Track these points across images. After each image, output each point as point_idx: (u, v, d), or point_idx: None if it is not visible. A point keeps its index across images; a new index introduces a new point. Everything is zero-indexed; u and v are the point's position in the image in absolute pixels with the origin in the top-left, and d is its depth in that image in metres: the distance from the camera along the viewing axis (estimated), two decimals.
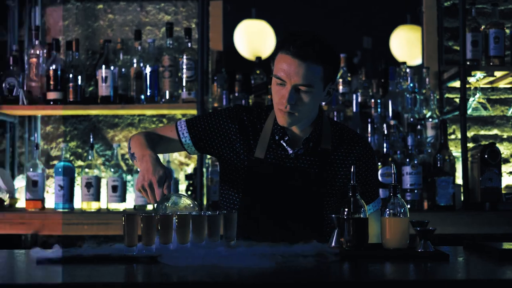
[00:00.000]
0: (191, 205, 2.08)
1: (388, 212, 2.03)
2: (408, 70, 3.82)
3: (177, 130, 2.38)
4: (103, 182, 3.84)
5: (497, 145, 3.62)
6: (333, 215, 2.04)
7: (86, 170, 3.74)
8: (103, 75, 3.74)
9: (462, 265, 1.94)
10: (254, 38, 4.27)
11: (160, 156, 3.88)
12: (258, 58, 3.97)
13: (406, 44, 4.31)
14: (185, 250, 1.91)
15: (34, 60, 3.77)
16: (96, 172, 3.74)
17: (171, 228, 1.95)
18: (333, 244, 2.03)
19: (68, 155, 3.87)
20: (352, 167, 2.05)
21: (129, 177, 3.91)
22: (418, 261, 1.91)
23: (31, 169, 3.71)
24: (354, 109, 3.72)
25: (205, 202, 3.66)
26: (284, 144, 2.33)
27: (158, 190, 2.07)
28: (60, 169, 3.68)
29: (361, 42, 4.47)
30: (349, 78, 3.91)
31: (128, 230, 1.91)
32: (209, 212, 2.03)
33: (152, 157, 2.14)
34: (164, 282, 1.63)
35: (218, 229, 2.00)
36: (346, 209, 2.00)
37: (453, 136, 3.94)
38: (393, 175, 2.08)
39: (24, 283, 1.65)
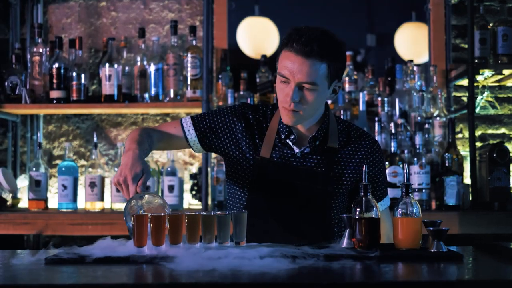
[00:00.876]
0: (164, 205, 2.05)
1: (400, 211, 1.99)
2: (415, 68, 3.78)
3: (182, 127, 2.36)
4: (107, 182, 3.80)
5: (505, 144, 3.59)
6: (345, 215, 2.01)
7: (90, 169, 3.71)
8: (107, 73, 3.70)
9: (476, 266, 1.91)
10: (257, 35, 4.24)
11: (164, 154, 3.91)
12: (263, 56, 3.93)
13: (411, 42, 4.27)
14: (194, 251, 1.88)
15: (36, 58, 3.73)
16: (99, 171, 3.70)
17: (180, 228, 1.92)
18: (344, 244, 2.00)
19: (71, 155, 3.83)
20: (364, 166, 2.01)
21: None
22: (432, 262, 1.88)
23: (33, 169, 3.68)
24: (361, 108, 3.68)
25: (209, 202, 3.62)
26: (290, 143, 2.30)
27: (132, 187, 2.03)
28: (63, 169, 3.65)
29: (364, 40, 4.45)
30: (355, 77, 3.86)
31: (138, 230, 1.88)
32: (219, 212, 1.99)
33: (135, 153, 2.09)
34: (174, 283, 1.61)
35: (228, 229, 1.97)
36: (358, 209, 1.96)
37: (460, 135, 3.90)
38: (404, 174, 2.04)
39: (32, 283, 1.62)
